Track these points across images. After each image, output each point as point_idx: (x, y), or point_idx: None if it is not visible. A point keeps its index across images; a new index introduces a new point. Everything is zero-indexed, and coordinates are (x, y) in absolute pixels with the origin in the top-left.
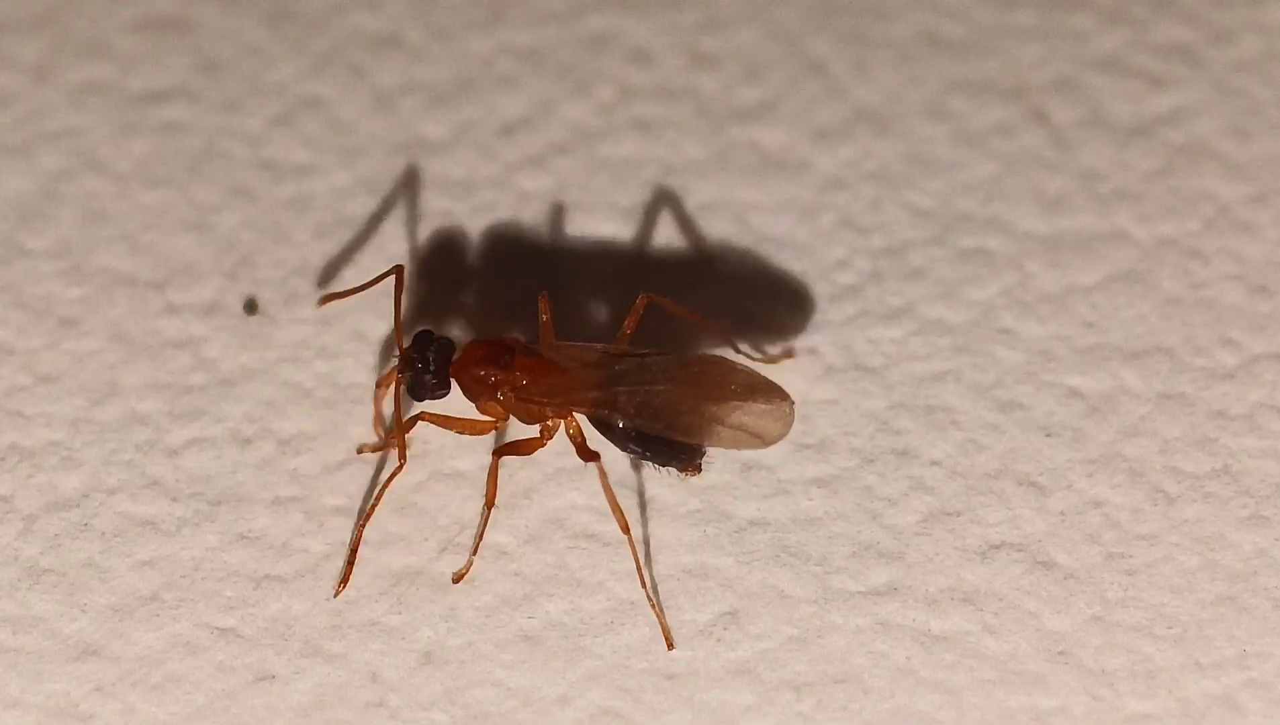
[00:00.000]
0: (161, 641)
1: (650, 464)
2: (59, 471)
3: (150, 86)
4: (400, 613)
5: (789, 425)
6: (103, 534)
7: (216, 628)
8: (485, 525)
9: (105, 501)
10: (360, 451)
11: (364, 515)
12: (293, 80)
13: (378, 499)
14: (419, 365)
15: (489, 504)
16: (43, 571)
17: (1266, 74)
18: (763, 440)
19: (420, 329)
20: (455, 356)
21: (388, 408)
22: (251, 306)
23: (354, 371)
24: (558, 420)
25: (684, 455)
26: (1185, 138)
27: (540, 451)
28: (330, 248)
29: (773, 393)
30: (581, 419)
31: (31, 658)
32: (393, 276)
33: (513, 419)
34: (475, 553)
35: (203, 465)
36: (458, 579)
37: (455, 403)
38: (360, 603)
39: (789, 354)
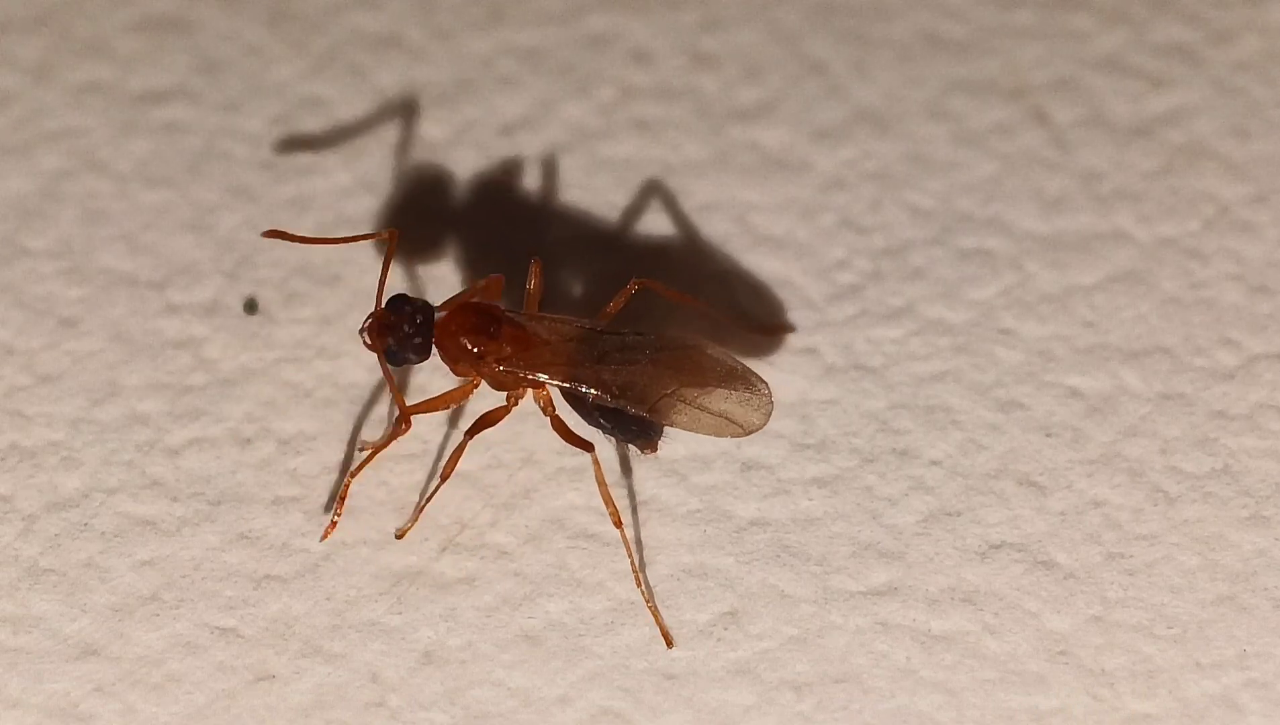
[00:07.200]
0: (161, 641)
1: (611, 438)
2: (59, 471)
3: (150, 86)
4: (400, 613)
5: (768, 414)
6: (103, 534)
7: (216, 628)
8: (434, 495)
9: (105, 501)
10: (362, 448)
11: (356, 466)
12: (293, 80)
13: (375, 451)
14: (401, 330)
15: (444, 478)
16: (43, 571)
17: (1266, 74)
18: (743, 429)
19: (395, 293)
20: (437, 320)
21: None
22: (251, 306)
23: (354, 371)
24: (529, 389)
25: (647, 434)
26: (1185, 138)
27: (541, 451)
28: (330, 247)
29: (751, 381)
30: (553, 388)
31: (31, 658)
32: (385, 240)
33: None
34: (418, 515)
35: (203, 465)
36: (400, 534)
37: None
38: (360, 603)
39: (788, 328)
